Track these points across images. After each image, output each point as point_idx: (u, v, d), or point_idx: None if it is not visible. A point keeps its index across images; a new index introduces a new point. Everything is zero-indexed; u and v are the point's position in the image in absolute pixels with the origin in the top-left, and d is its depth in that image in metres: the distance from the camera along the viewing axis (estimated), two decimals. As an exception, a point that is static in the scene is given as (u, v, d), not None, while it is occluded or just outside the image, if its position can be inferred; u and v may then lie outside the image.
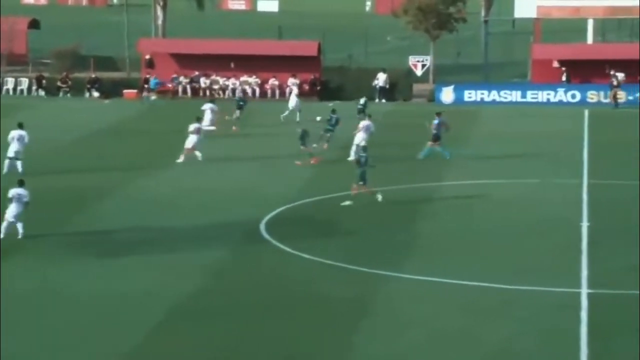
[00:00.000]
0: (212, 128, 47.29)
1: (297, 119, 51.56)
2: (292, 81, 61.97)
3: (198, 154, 42.11)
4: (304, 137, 41.84)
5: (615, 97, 57.61)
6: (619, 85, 57.87)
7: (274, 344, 22.67)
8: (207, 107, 49.33)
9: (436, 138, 42.85)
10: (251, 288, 26.35)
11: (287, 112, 52.62)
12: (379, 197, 34.90)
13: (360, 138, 41.87)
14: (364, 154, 35.76)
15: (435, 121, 43.36)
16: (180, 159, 42.06)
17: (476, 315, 24.20)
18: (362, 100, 53.27)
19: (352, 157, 41.17)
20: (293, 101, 53.98)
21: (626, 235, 31.22)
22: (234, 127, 49.86)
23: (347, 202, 34.70)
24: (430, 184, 38.53)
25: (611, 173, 40.02)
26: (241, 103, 51.88)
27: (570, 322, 23.61)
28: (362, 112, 52.15)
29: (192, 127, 42.81)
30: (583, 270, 27.61)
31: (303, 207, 34.78)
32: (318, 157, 41.92)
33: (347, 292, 25.88)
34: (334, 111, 46.84)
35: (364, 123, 42.80)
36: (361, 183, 35.07)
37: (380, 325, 23.73)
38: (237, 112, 50.66)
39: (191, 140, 42.37)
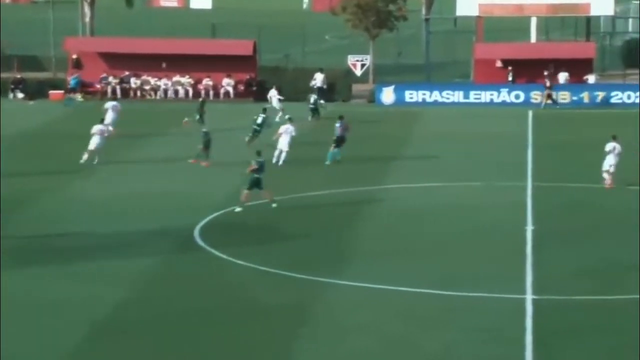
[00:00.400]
0: (111, 129, 46.48)
1: (277, 119, 51.83)
2: (226, 81, 61.88)
3: (96, 158, 42.05)
4: (208, 138, 41.91)
5: (551, 98, 58.28)
6: (551, 87, 58.58)
7: (210, 355, 22.56)
8: (110, 105, 49.20)
9: (340, 141, 42.86)
10: (185, 297, 26.22)
11: (281, 113, 52.70)
12: (237, 209, 34.43)
13: (283, 143, 42.26)
14: (260, 160, 35.23)
15: (337, 124, 43.61)
16: (84, 158, 42.14)
17: (418, 323, 24.30)
18: (312, 100, 53.22)
19: (274, 161, 41.83)
20: (275, 101, 54.13)
21: (571, 238, 31.61)
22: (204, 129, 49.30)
23: (274, 205, 34.65)
24: (371, 187, 38.64)
25: (555, 175, 40.45)
26: (202, 105, 51.32)
27: (515, 330, 23.79)
28: (316, 111, 52.19)
29: (95, 128, 42.72)
30: (528, 275, 27.86)
31: (237, 213, 34.67)
32: (209, 161, 41.97)
33: (285, 299, 25.87)
34: (264, 110, 46.97)
35: (284, 127, 43.02)
36: (246, 190, 34.58)
37: (320, 333, 23.75)
38: (197, 116, 50.15)
39: (94, 142, 42.28)
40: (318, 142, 45.36)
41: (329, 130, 44.65)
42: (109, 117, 47.77)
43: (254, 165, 34.86)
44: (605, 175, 38.36)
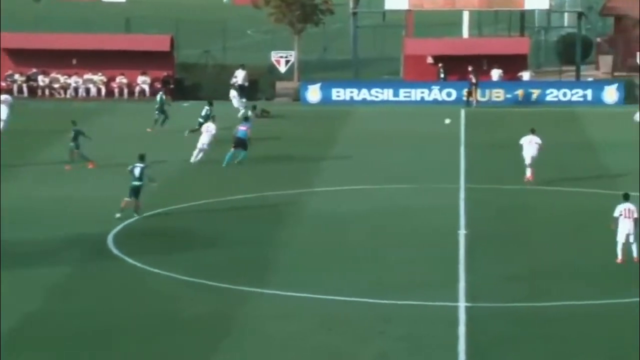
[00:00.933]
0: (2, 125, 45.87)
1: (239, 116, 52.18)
2: (142, 79, 61.65)
3: None
4: (77, 138, 41.93)
5: (470, 95, 59.06)
6: (476, 84, 59.33)
7: (126, 370, 22.57)
8: (2, 98, 49.03)
9: (241, 143, 42.83)
10: (99, 309, 26.11)
11: (242, 110, 52.98)
12: (136, 216, 34.33)
13: (203, 142, 42.82)
14: (140, 164, 34.82)
15: (240, 125, 43.86)
16: None
17: (346, 333, 24.49)
18: (256, 109, 53.37)
19: (192, 160, 42.55)
20: (235, 102, 54.72)
21: (505, 242, 32.09)
22: (148, 129, 49.16)
23: (118, 215, 34.18)
24: (297, 190, 38.80)
25: (489, 176, 40.96)
26: (162, 104, 51.00)
27: (448, 338, 24.10)
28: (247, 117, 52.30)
29: None
30: (461, 282, 28.21)
31: (154, 219, 34.63)
32: (93, 161, 42.03)
33: (208, 309, 25.91)
34: (210, 103, 47.59)
35: (205, 126, 43.84)
36: (129, 199, 34.24)
37: (245, 344, 23.84)
38: (156, 114, 50.04)
39: None
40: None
41: (259, 131, 44.91)
42: (3, 112, 47.59)
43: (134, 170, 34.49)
44: (527, 170, 39.27)
